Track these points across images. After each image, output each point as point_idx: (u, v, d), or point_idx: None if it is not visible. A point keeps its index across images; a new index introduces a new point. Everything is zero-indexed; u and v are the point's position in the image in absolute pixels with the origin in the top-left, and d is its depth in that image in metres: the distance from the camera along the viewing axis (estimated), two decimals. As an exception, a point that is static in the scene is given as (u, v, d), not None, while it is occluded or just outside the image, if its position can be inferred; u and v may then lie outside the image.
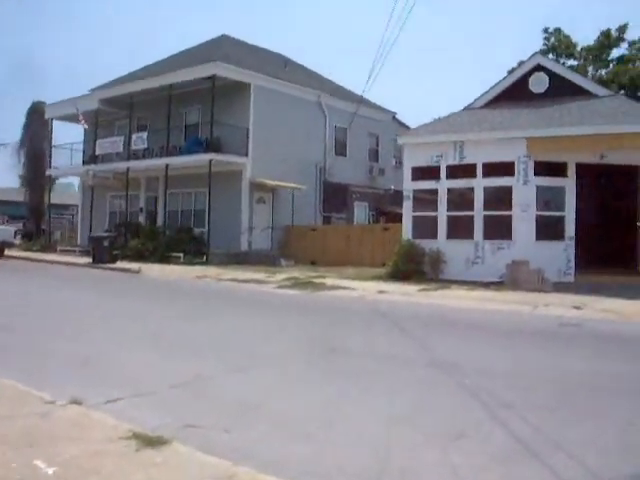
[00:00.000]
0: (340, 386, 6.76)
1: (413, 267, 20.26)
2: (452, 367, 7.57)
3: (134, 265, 24.37)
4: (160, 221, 31.24)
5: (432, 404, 6.15)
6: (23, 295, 14.78)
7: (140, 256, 26.62)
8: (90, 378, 6.79)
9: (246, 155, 28.13)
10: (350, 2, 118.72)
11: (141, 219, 32.05)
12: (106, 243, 25.68)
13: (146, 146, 29.58)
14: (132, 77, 32.19)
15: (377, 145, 35.22)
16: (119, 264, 25.07)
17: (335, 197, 32.10)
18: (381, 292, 17.03)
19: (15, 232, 30.18)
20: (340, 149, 32.92)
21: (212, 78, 27.09)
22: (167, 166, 28.40)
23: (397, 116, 37.00)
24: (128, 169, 30.35)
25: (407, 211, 21.96)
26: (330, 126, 32.27)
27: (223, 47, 31.45)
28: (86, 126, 32.72)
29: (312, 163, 31.26)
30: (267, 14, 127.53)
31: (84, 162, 35.13)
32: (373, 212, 34.33)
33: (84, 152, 35.27)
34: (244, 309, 13.57)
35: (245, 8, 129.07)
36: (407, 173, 21.93)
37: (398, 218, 35.71)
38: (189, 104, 30.34)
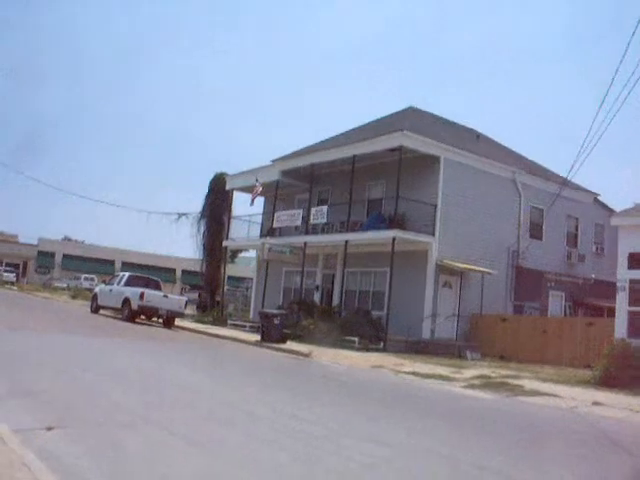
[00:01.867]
0: None
1: (628, 373, 16.64)
2: None
3: (304, 348, 22.36)
4: (335, 300, 29.35)
5: None
6: (188, 388, 12.73)
7: (312, 337, 24.65)
8: None
9: (433, 234, 25.72)
10: (554, 81, 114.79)
11: (316, 297, 30.33)
12: (277, 321, 23.92)
13: (325, 220, 28.03)
14: (314, 149, 31.08)
15: (576, 229, 31.55)
16: (289, 344, 23.19)
17: (528, 284, 28.70)
18: (596, 404, 13.67)
19: (186, 302, 29.21)
20: (535, 232, 29.65)
21: (399, 149, 25.14)
22: (346, 242, 26.60)
23: (600, 198, 33.20)
24: (305, 244, 28.89)
25: (621, 304, 18.49)
26: (525, 206, 29.21)
27: (409, 118, 29.63)
28: (254, 198, 31.79)
29: (504, 246, 28.24)
30: (457, 86, 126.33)
31: (261, 235, 34.32)
32: (570, 303, 30.46)
33: (262, 225, 34.50)
34: (430, 420, 10.66)
35: (435, 80, 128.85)
36: (622, 260, 18.52)
37: (598, 311, 31.84)
38: (373, 178, 28.62)
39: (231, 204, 36.06)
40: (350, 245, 26.96)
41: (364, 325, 24.67)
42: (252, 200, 31.35)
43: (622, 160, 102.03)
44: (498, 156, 29.57)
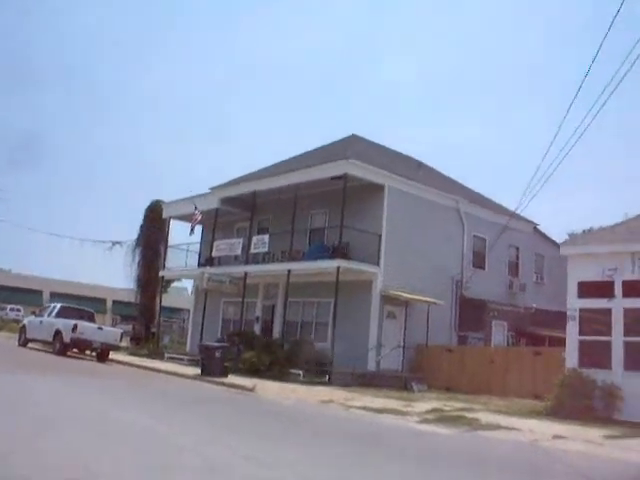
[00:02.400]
0: None
1: (581, 403, 16.37)
2: None
3: (247, 381, 21.42)
4: (277, 332, 28.53)
5: None
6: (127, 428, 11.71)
7: (254, 370, 23.72)
8: None
9: (377, 264, 25.25)
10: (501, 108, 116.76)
11: (256, 329, 29.39)
12: (218, 354, 22.90)
13: (267, 249, 27.27)
14: (254, 176, 30.35)
15: (517, 258, 31.62)
16: (230, 378, 22.20)
17: (471, 314, 28.49)
18: (556, 437, 13.23)
19: (122, 334, 27.89)
20: (478, 261, 29.56)
21: (343, 177, 24.66)
22: (289, 272, 25.89)
23: (538, 227, 33.47)
24: (246, 274, 28.06)
25: (572, 334, 18.18)
26: (468, 236, 29.11)
27: (352, 146, 29.18)
28: (194, 226, 30.78)
29: (448, 275, 28.02)
30: (395, 114, 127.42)
31: (199, 264, 33.29)
32: (512, 333, 30.39)
33: (200, 254, 33.48)
34: (398, 462, 9.96)
35: (373, 107, 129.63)
36: (572, 289, 18.23)
37: (540, 340, 31.85)
38: (315, 206, 28.05)
39: (167, 233, 34.97)
40: (292, 275, 26.28)
41: (308, 357, 23.91)
42: (191, 228, 30.35)
43: (558, 191, 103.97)
44: (441, 185, 29.45)
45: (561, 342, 33.03)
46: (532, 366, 22.57)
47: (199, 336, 31.76)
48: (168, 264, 33.52)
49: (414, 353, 25.95)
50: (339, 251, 24.96)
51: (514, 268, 31.32)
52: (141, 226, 36.43)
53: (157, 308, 35.96)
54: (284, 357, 23.92)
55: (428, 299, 25.85)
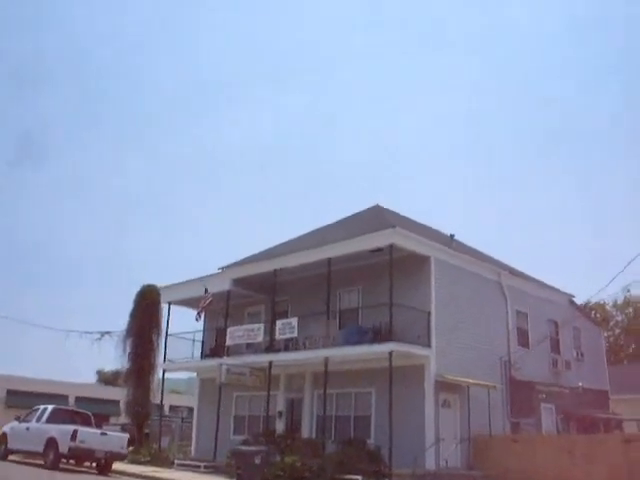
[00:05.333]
0: None
1: None
2: None
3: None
4: (305, 429, 25.03)
5: None
6: None
7: (298, 478, 20.14)
8: None
9: (429, 345, 22.21)
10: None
11: (279, 426, 25.75)
12: (257, 460, 19.40)
13: (296, 334, 23.93)
14: (273, 254, 27.17)
15: (557, 334, 28.95)
16: (276, 491, 18.68)
17: (521, 398, 25.54)
18: None
19: (129, 440, 23.91)
20: (522, 338, 26.80)
21: (388, 248, 21.78)
22: (326, 360, 22.57)
23: (573, 299, 31.08)
24: (271, 363, 24.59)
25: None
26: (512, 311, 26.43)
27: (379, 218, 26.49)
28: (202, 311, 27.34)
29: (496, 355, 25.13)
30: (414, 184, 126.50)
31: (203, 355, 29.67)
32: (561, 416, 27.46)
33: (203, 343, 29.90)
34: None
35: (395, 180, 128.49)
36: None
37: (594, 424, 29.04)
38: (345, 284, 24.94)
39: (164, 320, 31.37)
40: (322, 364, 23.01)
41: (362, 459, 20.41)
42: (199, 313, 26.86)
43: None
44: (480, 256, 26.88)
45: (619, 425, 30.62)
46: (624, 456, 19.56)
47: (206, 436, 28.05)
48: (167, 355, 29.66)
49: (472, 446, 22.68)
50: (386, 334, 21.93)
51: (555, 345, 28.60)
52: (131, 314, 32.60)
53: (151, 406, 31.98)
54: (334, 460, 20.36)
55: (487, 383, 22.89)
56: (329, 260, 23.28)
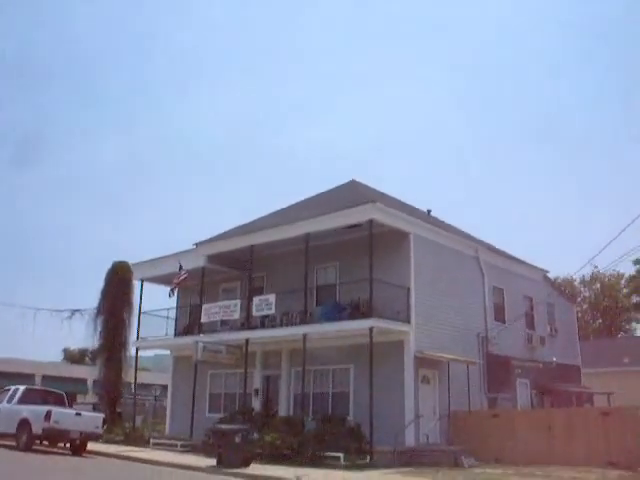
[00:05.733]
0: None
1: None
2: None
3: (282, 471, 17.68)
4: (283, 406, 24.83)
5: None
6: None
7: (278, 456, 19.97)
8: None
9: (408, 321, 22.06)
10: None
11: (255, 403, 25.50)
12: (238, 439, 19.03)
13: (273, 311, 23.62)
14: (249, 229, 26.71)
15: (531, 309, 29.06)
16: (257, 468, 18.41)
17: (498, 373, 25.62)
18: None
19: (104, 420, 23.44)
20: (498, 314, 26.83)
21: (368, 224, 21.52)
22: (305, 336, 22.32)
23: (547, 275, 31.21)
24: (247, 341, 24.29)
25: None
26: (489, 287, 26.41)
27: (356, 193, 26.23)
28: (176, 287, 26.85)
29: (473, 331, 25.14)
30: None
31: (177, 332, 29.24)
32: (534, 391, 27.65)
33: (176, 320, 29.42)
34: None
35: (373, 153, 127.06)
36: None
37: (566, 397, 29.28)
38: (322, 260, 24.63)
39: (136, 298, 30.87)
40: (298, 341, 22.80)
41: (343, 436, 20.25)
42: (173, 290, 26.37)
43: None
44: (458, 231, 26.76)
45: (590, 398, 30.96)
46: (603, 429, 19.76)
47: (180, 415, 27.75)
48: (139, 333, 29.14)
49: (451, 422, 22.69)
50: (365, 310, 21.79)
51: (530, 320, 28.71)
52: (102, 291, 31.93)
53: (123, 384, 31.48)
54: (314, 437, 20.19)
55: (467, 359, 22.89)
56: (307, 235, 22.96)
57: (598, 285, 51.23)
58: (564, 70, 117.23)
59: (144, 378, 31.94)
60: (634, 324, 55.78)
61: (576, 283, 52.20)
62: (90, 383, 58.60)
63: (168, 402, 30.24)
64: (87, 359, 77.89)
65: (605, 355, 40.00)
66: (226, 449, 19.02)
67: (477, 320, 25.45)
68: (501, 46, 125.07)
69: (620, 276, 53.64)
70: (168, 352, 31.64)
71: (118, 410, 31.67)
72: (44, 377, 60.32)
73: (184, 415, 26.94)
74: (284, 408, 24.69)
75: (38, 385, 47.96)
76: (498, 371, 25.50)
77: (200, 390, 26.71)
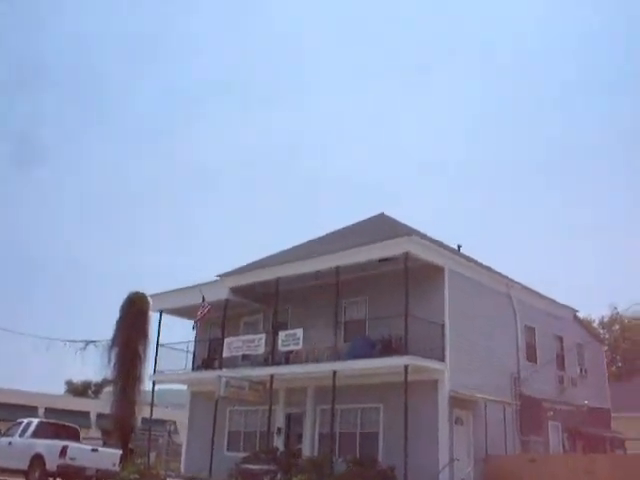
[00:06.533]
0: None
1: None
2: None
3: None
4: (307, 447, 23.78)
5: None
6: None
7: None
8: None
9: (442, 359, 21.17)
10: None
11: (277, 442, 24.46)
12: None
13: (300, 346, 22.74)
14: (275, 261, 25.90)
15: (562, 350, 28.11)
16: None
17: (530, 415, 24.62)
18: None
19: (121, 457, 22.45)
20: (530, 354, 25.90)
21: (402, 258, 20.75)
22: (334, 374, 21.41)
23: (577, 314, 30.32)
24: (272, 377, 23.35)
25: None
26: (521, 325, 25.54)
27: (387, 226, 25.44)
28: (200, 320, 25.87)
29: (506, 371, 24.18)
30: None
31: (195, 367, 28.31)
32: (566, 434, 26.60)
33: (194, 354, 28.51)
34: None
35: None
36: None
37: (599, 443, 28.22)
38: (351, 294, 23.77)
39: (152, 330, 29.94)
40: (325, 377, 21.95)
41: (375, 480, 19.27)
42: (198, 322, 25.45)
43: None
44: (488, 268, 25.97)
45: (622, 444, 29.81)
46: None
47: (197, 452, 26.76)
48: (158, 367, 28.21)
49: (486, 466, 21.63)
50: (396, 346, 20.97)
51: (560, 361, 27.75)
52: (117, 322, 30.84)
53: (136, 420, 30.27)
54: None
55: (503, 399, 21.94)
56: (337, 269, 22.21)
57: (617, 327, 50.24)
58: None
59: (155, 413, 30.72)
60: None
61: (595, 324, 51.22)
62: (93, 417, 57.40)
63: (184, 439, 29.19)
64: (90, 392, 76.69)
65: (632, 399, 38.78)
66: (253, 491, 18.06)
67: (509, 360, 24.52)
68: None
69: (641, 318, 52.66)
70: (182, 387, 30.66)
71: (130, 447, 30.49)
72: (47, 409, 59.04)
73: (201, 453, 26.01)
74: (308, 448, 23.66)
75: (42, 417, 46.77)
76: (530, 413, 24.50)
77: (219, 427, 25.67)
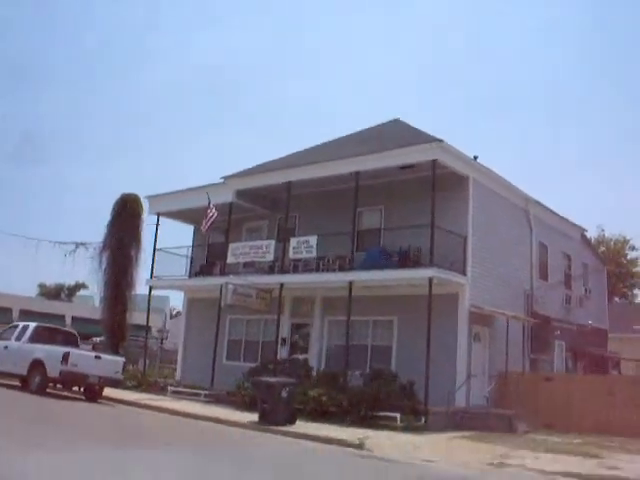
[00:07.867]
0: None
1: None
2: None
3: (334, 431, 16.05)
4: (313, 358, 23.05)
5: None
6: None
7: (322, 413, 18.29)
8: None
9: (464, 272, 20.31)
10: None
11: (282, 354, 23.67)
12: (285, 393, 17.28)
13: (314, 255, 21.68)
14: (285, 164, 24.47)
15: (569, 269, 27.55)
16: (304, 426, 16.74)
17: (540, 334, 24.16)
18: None
19: (124, 364, 21.50)
20: (542, 272, 25.22)
21: (430, 165, 19.56)
22: (351, 284, 20.44)
23: (585, 233, 29.69)
24: (282, 286, 22.34)
25: None
26: (536, 242, 24.75)
27: (399, 132, 24.10)
28: (209, 225, 24.32)
29: (520, 288, 23.53)
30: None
31: (192, 273, 27.22)
32: (569, 354, 26.36)
33: (192, 259, 27.34)
34: None
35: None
36: None
37: (602, 363, 28.15)
38: (365, 203, 22.42)
39: (144, 233, 28.74)
40: (336, 288, 21.11)
41: (396, 395, 18.56)
42: (206, 226, 23.96)
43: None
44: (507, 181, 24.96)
45: (618, 364, 29.78)
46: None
47: (194, 361, 26.05)
48: (155, 272, 26.99)
49: (501, 383, 21.16)
50: (415, 258, 20.10)
51: (568, 280, 27.23)
52: (108, 225, 29.44)
53: (128, 325, 29.34)
54: (369, 395, 18.34)
55: (522, 316, 21.33)
56: (357, 174, 20.95)
57: (603, 248, 50.20)
58: None
59: (138, 319, 29.71)
60: (637, 290, 55.16)
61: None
62: (69, 320, 56.38)
63: (180, 347, 28.33)
64: (63, 295, 75.62)
65: (624, 319, 38.92)
66: (271, 404, 17.23)
67: (523, 276, 23.84)
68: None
69: (626, 241, 52.74)
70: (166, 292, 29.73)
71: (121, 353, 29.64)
72: (22, 311, 57.75)
73: (197, 361, 25.38)
74: (315, 360, 22.92)
75: (17, 320, 45.59)
76: (541, 332, 24.04)
77: (212, 336, 24.68)
